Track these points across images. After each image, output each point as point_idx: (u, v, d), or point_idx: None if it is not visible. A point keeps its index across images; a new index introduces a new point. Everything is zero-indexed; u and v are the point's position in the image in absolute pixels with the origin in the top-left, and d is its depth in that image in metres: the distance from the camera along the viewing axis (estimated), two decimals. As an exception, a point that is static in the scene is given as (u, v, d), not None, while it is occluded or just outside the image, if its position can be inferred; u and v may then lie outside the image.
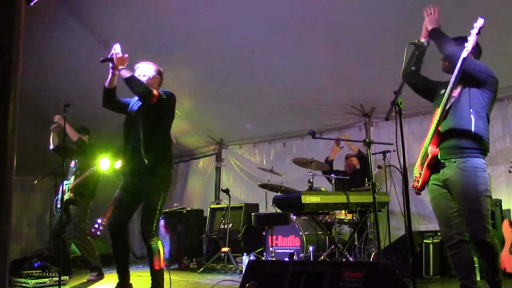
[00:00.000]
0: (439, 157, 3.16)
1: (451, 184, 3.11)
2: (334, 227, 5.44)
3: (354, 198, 4.77)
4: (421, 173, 3.27)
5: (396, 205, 5.67)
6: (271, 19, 5.29)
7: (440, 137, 3.17)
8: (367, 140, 4.47)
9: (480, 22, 3.01)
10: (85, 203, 5.92)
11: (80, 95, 6.43)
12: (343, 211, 5.41)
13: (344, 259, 4.90)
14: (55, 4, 5.39)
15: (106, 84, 3.84)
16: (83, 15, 5.70)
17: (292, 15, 5.18)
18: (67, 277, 5.48)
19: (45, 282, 5.10)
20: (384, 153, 5.82)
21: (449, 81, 3.20)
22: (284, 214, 5.30)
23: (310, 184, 5.49)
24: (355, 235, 5.62)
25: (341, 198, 4.69)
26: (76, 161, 6.04)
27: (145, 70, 3.90)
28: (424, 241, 5.18)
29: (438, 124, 3.15)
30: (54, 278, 5.11)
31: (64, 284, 5.04)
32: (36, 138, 6.47)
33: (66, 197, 5.80)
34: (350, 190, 5.54)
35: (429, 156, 3.18)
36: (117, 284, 3.92)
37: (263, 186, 6.19)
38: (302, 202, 4.34)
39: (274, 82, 6.42)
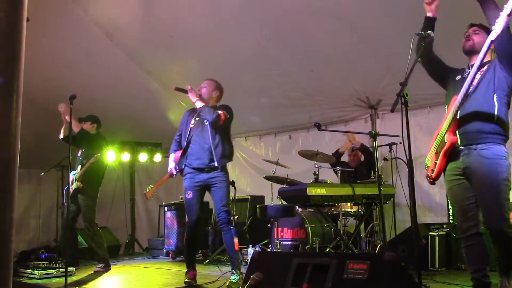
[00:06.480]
0: (458, 144, 3.06)
1: (470, 172, 3.02)
2: (339, 219, 5.43)
3: (360, 190, 4.76)
4: (436, 162, 3.18)
5: (402, 197, 5.66)
6: (277, 11, 5.26)
7: (459, 122, 3.06)
8: (373, 132, 4.45)
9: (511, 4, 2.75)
10: (93, 193, 5.93)
11: (86, 87, 6.45)
12: (348, 203, 5.40)
13: (349, 251, 4.90)
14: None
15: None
16: (88, 7, 5.69)
17: (297, 7, 5.15)
18: (74, 268, 5.50)
19: (52, 273, 5.14)
20: (390, 145, 5.80)
21: (463, 69, 3.21)
22: (290, 206, 5.30)
23: (315, 176, 5.48)
24: (361, 227, 5.62)
25: (346, 190, 4.68)
26: (83, 150, 6.04)
27: (207, 88, 4.67)
28: (430, 233, 5.17)
29: (457, 111, 3.03)
30: (61, 269, 5.15)
31: (70, 275, 5.07)
32: (43, 131, 6.51)
33: (74, 186, 5.82)
34: (356, 182, 5.53)
35: (447, 144, 3.07)
36: (188, 271, 4.54)
37: (269, 178, 6.19)
38: (308, 194, 4.34)
39: (279, 74, 6.39)
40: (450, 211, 5.23)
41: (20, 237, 8.50)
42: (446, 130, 3.09)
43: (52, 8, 5.41)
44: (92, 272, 5.62)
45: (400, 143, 2.98)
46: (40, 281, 4.93)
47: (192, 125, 4.56)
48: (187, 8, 5.50)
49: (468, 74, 3.07)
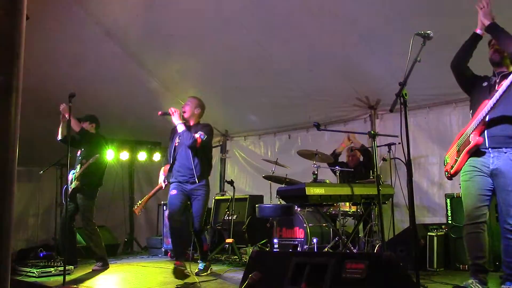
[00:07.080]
0: (486, 145, 3.26)
1: (498, 172, 3.22)
2: (338, 219, 5.44)
3: (359, 190, 4.76)
4: (456, 159, 3.39)
5: (400, 197, 5.66)
6: (276, 10, 5.26)
7: (488, 125, 3.26)
8: (372, 132, 4.45)
9: None
10: (92, 192, 5.92)
11: (86, 86, 6.44)
12: (347, 203, 5.40)
13: (348, 251, 4.90)
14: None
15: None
16: (89, 6, 5.68)
17: (296, 6, 5.15)
18: (72, 266, 5.50)
19: (50, 272, 5.14)
20: (389, 145, 5.80)
21: (486, 76, 3.46)
22: (289, 206, 5.30)
23: (314, 176, 5.48)
24: (359, 227, 5.61)
25: (345, 190, 4.68)
26: (82, 150, 6.04)
27: (190, 105, 5.12)
28: (429, 233, 5.17)
29: (487, 114, 3.21)
30: (59, 268, 5.15)
31: (69, 274, 5.07)
32: (43, 129, 6.50)
33: (73, 186, 5.81)
34: (355, 182, 5.53)
35: (472, 144, 3.27)
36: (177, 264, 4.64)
37: (268, 177, 6.19)
38: (306, 193, 4.34)
39: (279, 74, 6.39)
40: (449, 212, 5.23)
41: (18, 235, 8.49)
42: (472, 131, 3.29)
43: (53, 6, 5.40)
44: (90, 270, 5.62)
45: (399, 143, 3.00)
46: (38, 280, 4.93)
47: (177, 144, 5.06)
48: (187, 7, 5.50)
49: (494, 82, 3.35)
